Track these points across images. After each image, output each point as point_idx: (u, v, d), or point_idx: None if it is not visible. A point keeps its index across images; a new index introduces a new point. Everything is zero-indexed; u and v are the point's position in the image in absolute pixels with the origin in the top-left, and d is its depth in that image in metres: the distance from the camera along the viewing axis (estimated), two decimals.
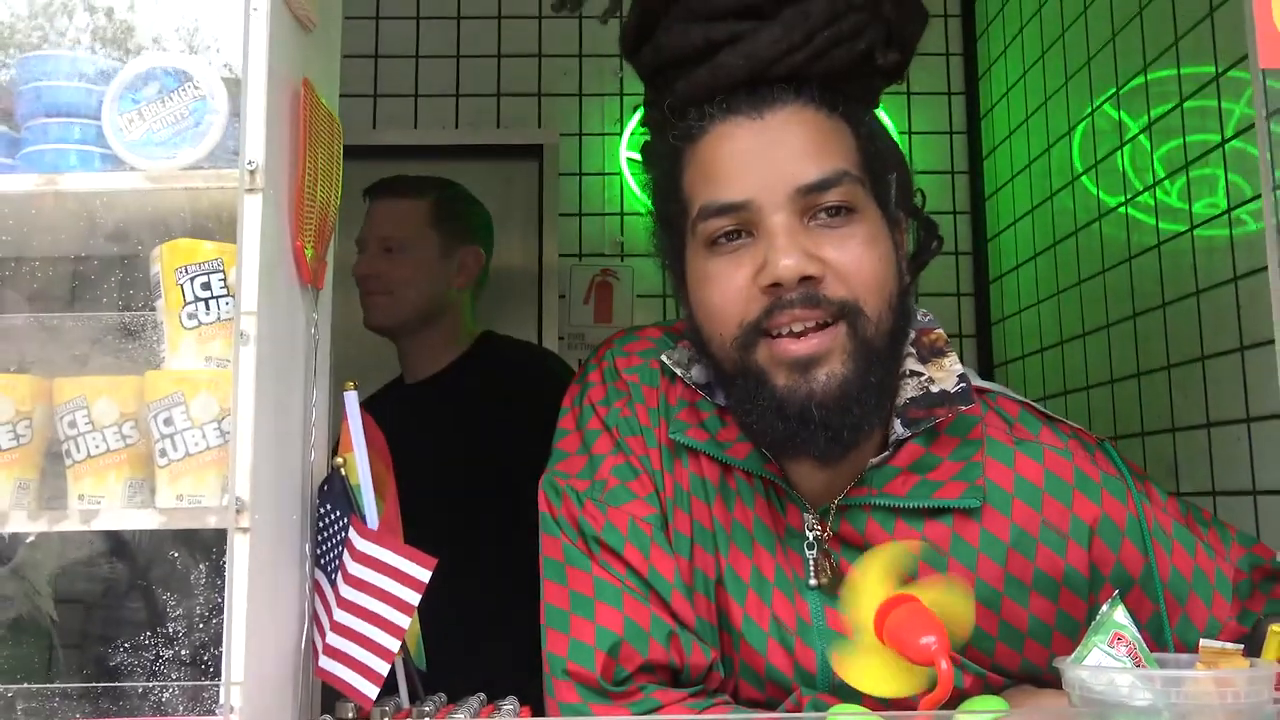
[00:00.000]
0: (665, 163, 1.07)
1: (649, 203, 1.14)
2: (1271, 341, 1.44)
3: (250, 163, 0.87)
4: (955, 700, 0.95)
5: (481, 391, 2.01)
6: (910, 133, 2.83)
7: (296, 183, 0.96)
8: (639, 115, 2.74)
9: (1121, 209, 2.02)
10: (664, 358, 1.08)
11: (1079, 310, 2.20)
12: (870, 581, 0.86)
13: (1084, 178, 2.18)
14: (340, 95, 1.14)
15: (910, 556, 0.94)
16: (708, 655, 0.99)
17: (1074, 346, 2.23)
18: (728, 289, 0.98)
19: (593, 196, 2.84)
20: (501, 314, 2.67)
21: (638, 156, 2.77)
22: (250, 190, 0.87)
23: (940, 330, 1.08)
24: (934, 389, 1.02)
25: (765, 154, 0.99)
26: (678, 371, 1.07)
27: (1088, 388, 2.17)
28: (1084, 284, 2.18)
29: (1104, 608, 0.87)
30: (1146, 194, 1.91)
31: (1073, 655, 0.86)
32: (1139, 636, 0.86)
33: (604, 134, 2.84)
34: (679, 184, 1.04)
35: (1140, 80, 1.93)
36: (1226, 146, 1.66)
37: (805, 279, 0.95)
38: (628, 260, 2.79)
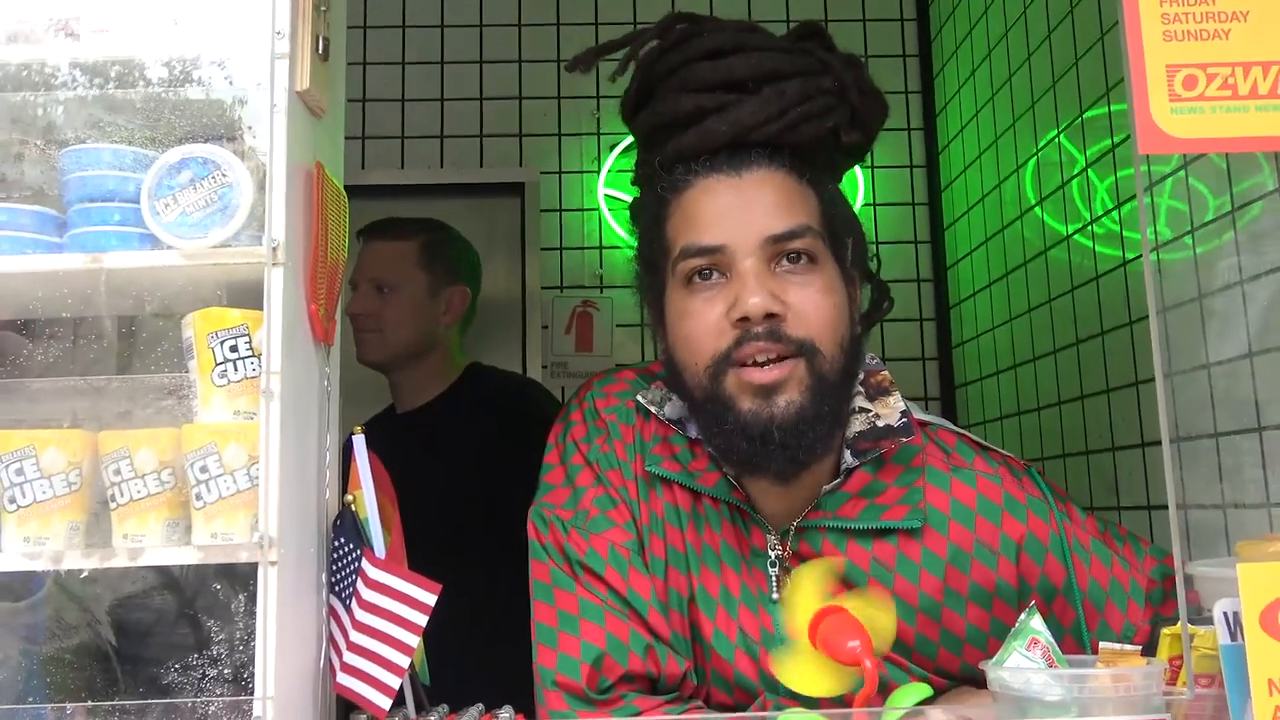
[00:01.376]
0: (651, 211, 1.21)
1: (634, 249, 1.27)
2: (1191, 369, 1.59)
3: (274, 241, 1.00)
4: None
5: (469, 420, 2.12)
6: (873, 167, 2.98)
7: (311, 252, 1.09)
8: (616, 154, 2.91)
9: (1063, 243, 2.17)
10: (640, 398, 1.21)
11: (1029, 335, 2.35)
12: (802, 594, 1.00)
13: (1035, 209, 2.34)
14: None
15: (835, 572, 1.08)
16: (681, 665, 1.11)
17: (1026, 370, 2.38)
18: (702, 323, 1.11)
19: (572, 231, 2.97)
20: (488, 343, 2.79)
21: (615, 193, 2.92)
22: (274, 264, 1.00)
23: (886, 372, 1.22)
24: (879, 423, 1.16)
25: (740, 207, 1.13)
26: (652, 409, 1.20)
27: (1039, 409, 2.31)
28: (1033, 311, 2.33)
29: (1022, 616, 1.01)
30: (1094, 225, 2.06)
31: (995, 658, 0.99)
32: (1053, 641, 0.99)
33: (582, 171, 2.98)
34: (663, 229, 1.18)
35: (1078, 119, 2.08)
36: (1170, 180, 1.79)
37: (769, 316, 1.08)
38: (607, 291, 2.92)
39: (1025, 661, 0.99)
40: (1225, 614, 0.91)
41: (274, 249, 1.00)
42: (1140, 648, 0.98)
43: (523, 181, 2.97)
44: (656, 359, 1.28)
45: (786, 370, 1.08)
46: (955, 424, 1.30)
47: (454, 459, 2.08)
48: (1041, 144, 2.27)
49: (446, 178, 2.96)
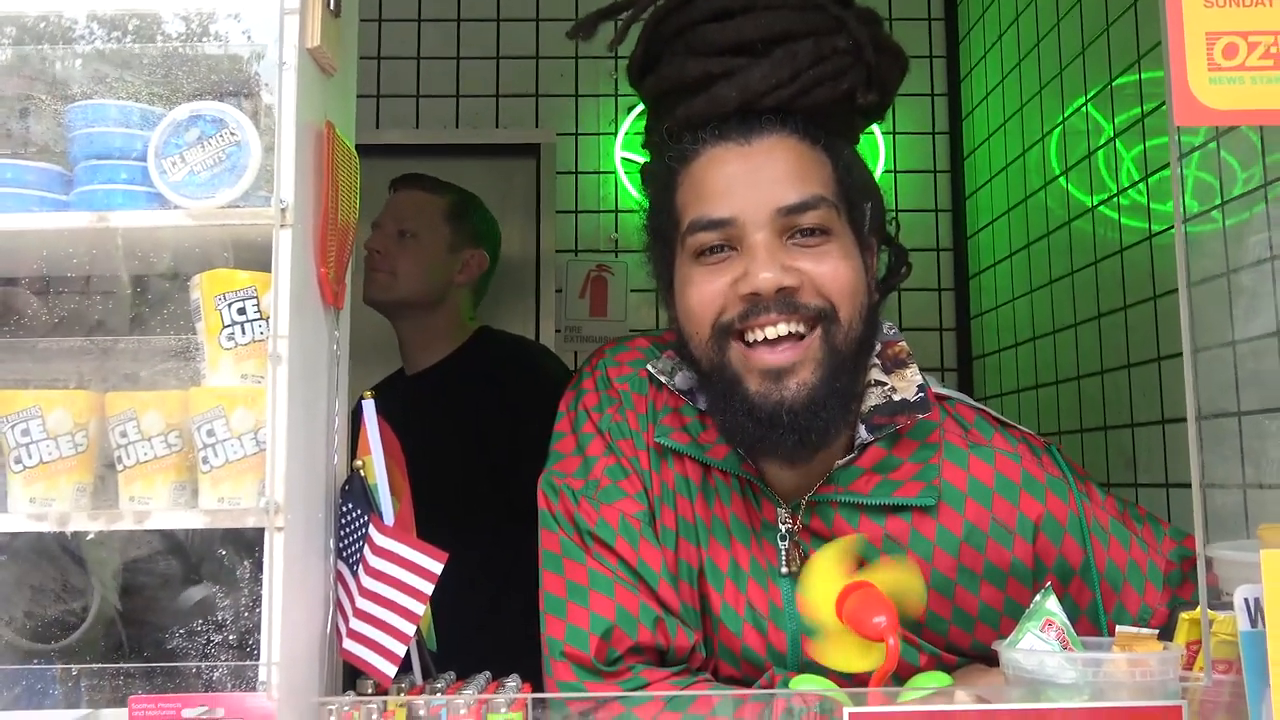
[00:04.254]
0: (660, 181, 1.18)
1: (644, 218, 1.25)
2: (1217, 345, 1.55)
3: (282, 202, 0.98)
4: (910, 676, 1.07)
5: (477, 383, 2.12)
6: (894, 133, 2.93)
7: (321, 214, 1.07)
8: (633, 116, 2.86)
9: (1087, 215, 2.13)
10: (650, 367, 1.19)
11: (1050, 308, 2.32)
12: (823, 574, 0.98)
13: (1060, 179, 2.29)
14: None
15: (858, 545, 1.06)
16: (690, 638, 1.11)
17: (1045, 343, 2.35)
18: (706, 291, 1.09)
19: (588, 194, 2.93)
20: (501, 307, 2.78)
21: (632, 156, 2.88)
22: (283, 226, 0.98)
23: (903, 343, 1.19)
24: (896, 398, 1.14)
25: (751, 177, 1.10)
26: (662, 379, 1.18)
27: (1057, 382, 2.28)
28: (1055, 283, 2.29)
29: (1037, 597, 0.99)
30: (1120, 196, 2.01)
31: (1009, 640, 0.97)
32: (1068, 623, 0.98)
33: (599, 133, 2.94)
34: (672, 200, 1.15)
35: (1107, 86, 2.03)
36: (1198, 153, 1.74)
37: (781, 289, 1.06)
38: (622, 256, 2.89)
39: (1039, 643, 0.98)
40: (1246, 600, 0.89)
41: (283, 210, 0.98)
42: (1157, 631, 0.96)
43: (539, 143, 2.93)
44: (669, 327, 1.26)
45: (800, 351, 1.06)
46: (972, 396, 1.27)
47: (461, 422, 2.07)
48: (1068, 112, 2.22)
49: (462, 138, 2.93)
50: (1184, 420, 1.75)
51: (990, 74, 2.69)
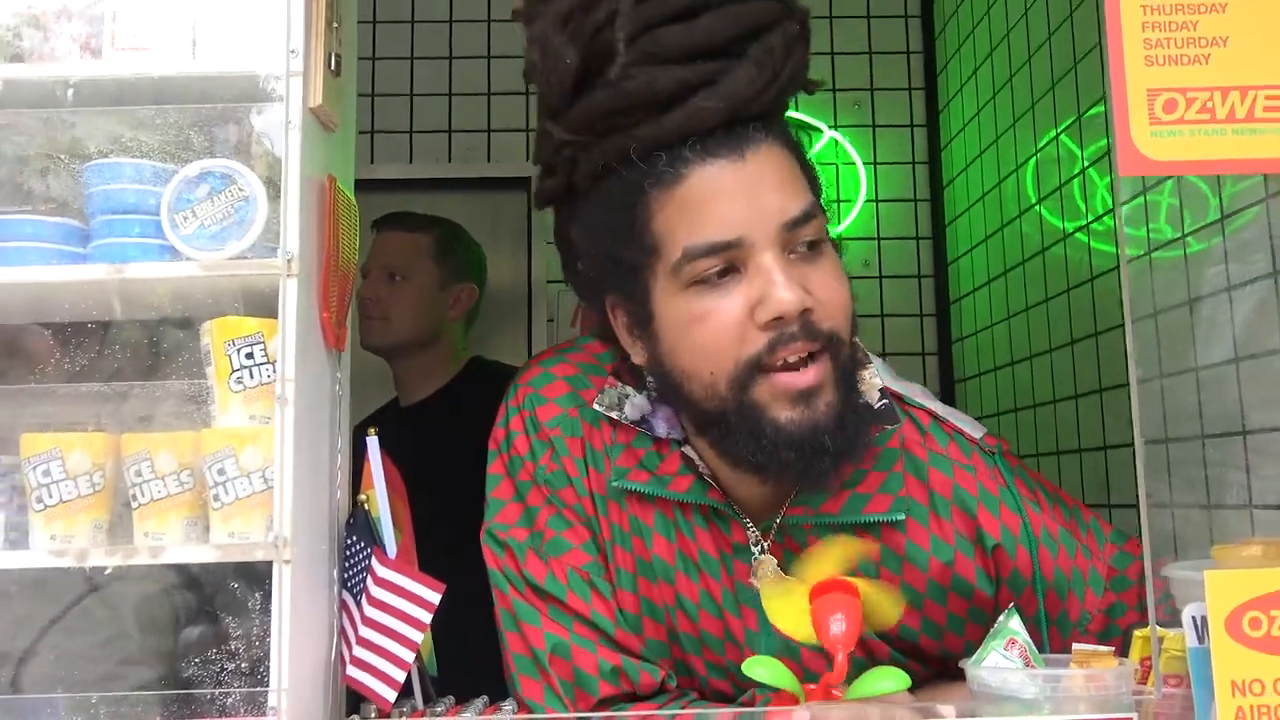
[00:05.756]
0: (623, 206, 1.04)
1: (572, 252, 1.17)
2: (1180, 371, 1.62)
3: (289, 253, 1.04)
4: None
5: (470, 413, 2.17)
6: (875, 163, 3.00)
7: (324, 262, 1.13)
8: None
9: (1062, 242, 2.20)
10: (596, 405, 1.13)
11: (1027, 333, 2.39)
12: (822, 560, 1.02)
13: (1036, 207, 2.37)
14: None
15: (865, 553, 1.06)
16: (655, 675, 1.11)
17: (1024, 367, 2.42)
18: (721, 327, 0.99)
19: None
20: (494, 337, 2.83)
21: None
22: (289, 276, 1.05)
23: (862, 346, 1.14)
24: (860, 402, 1.09)
25: (750, 192, 1.00)
26: (612, 415, 1.12)
27: (1035, 406, 2.35)
28: (1032, 309, 2.37)
29: (1002, 617, 1.05)
30: (1094, 223, 2.08)
31: (974, 658, 1.03)
32: (1029, 641, 1.04)
33: None
34: (647, 228, 1.03)
35: (1078, 119, 2.11)
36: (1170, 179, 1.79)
37: (804, 310, 0.99)
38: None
39: (1003, 661, 1.04)
40: (1193, 618, 0.95)
41: (289, 261, 1.04)
42: (1113, 649, 1.03)
43: (529, 176, 2.99)
44: (584, 339, 1.23)
45: (822, 370, 1.01)
46: None
47: (457, 453, 2.12)
48: (1042, 143, 2.30)
49: (454, 172, 3.00)
50: (1157, 443, 1.83)
51: (967, 106, 2.78)
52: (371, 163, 2.96)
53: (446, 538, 1.89)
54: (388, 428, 2.14)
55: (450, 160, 3.01)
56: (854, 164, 2.95)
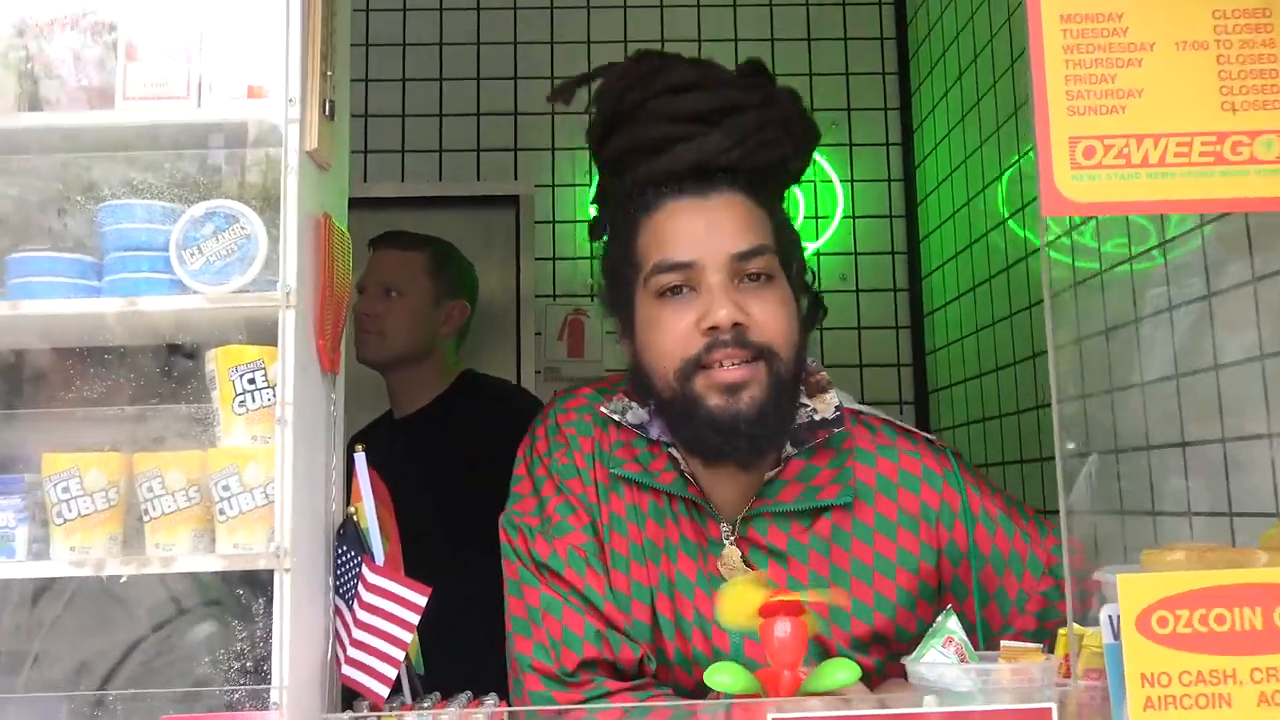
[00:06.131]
0: (622, 230, 1.35)
1: (601, 263, 1.41)
2: (1129, 386, 1.72)
3: (287, 287, 1.14)
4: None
5: (461, 425, 2.27)
6: (852, 181, 3.11)
7: (319, 293, 1.23)
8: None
9: (1029, 258, 2.31)
10: (603, 409, 1.35)
11: (993, 345, 2.49)
12: (741, 588, 1.14)
13: (1007, 223, 2.47)
14: None
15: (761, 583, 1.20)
16: (635, 651, 1.26)
17: (991, 379, 2.52)
18: (673, 332, 1.25)
19: (565, 242, 3.11)
20: (484, 350, 2.93)
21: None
22: (287, 307, 1.14)
23: (824, 373, 1.39)
24: (816, 417, 1.33)
25: (708, 227, 1.27)
26: (615, 418, 1.34)
27: (1000, 416, 2.45)
28: (998, 324, 2.47)
29: (940, 618, 1.15)
30: (1062, 238, 2.18)
31: (914, 655, 1.13)
32: (965, 639, 1.14)
33: (575, 185, 3.11)
34: (634, 247, 1.31)
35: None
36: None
37: (735, 325, 1.23)
38: (598, 300, 3.06)
39: (941, 658, 1.14)
40: (1110, 616, 1.05)
41: (287, 294, 1.14)
42: (1041, 645, 1.12)
43: (518, 194, 3.11)
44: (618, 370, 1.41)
45: (750, 372, 1.23)
46: (929, 428, 1.44)
47: (446, 462, 2.22)
48: (1010, 161, 2.41)
49: (445, 190, 3.10)
50: (1115, 452, 1.92)
51: (939, 126, 2.88)
52: (365, 181, 3.07)
53: (440, 543, 1.99)
54: (382, 439, 2.26)
55: (441, 179, 3.11)
56: (831, 182, 3.06)
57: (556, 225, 3.10)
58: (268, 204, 1.19)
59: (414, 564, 1.31)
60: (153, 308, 1.15)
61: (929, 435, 1.39)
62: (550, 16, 3.15)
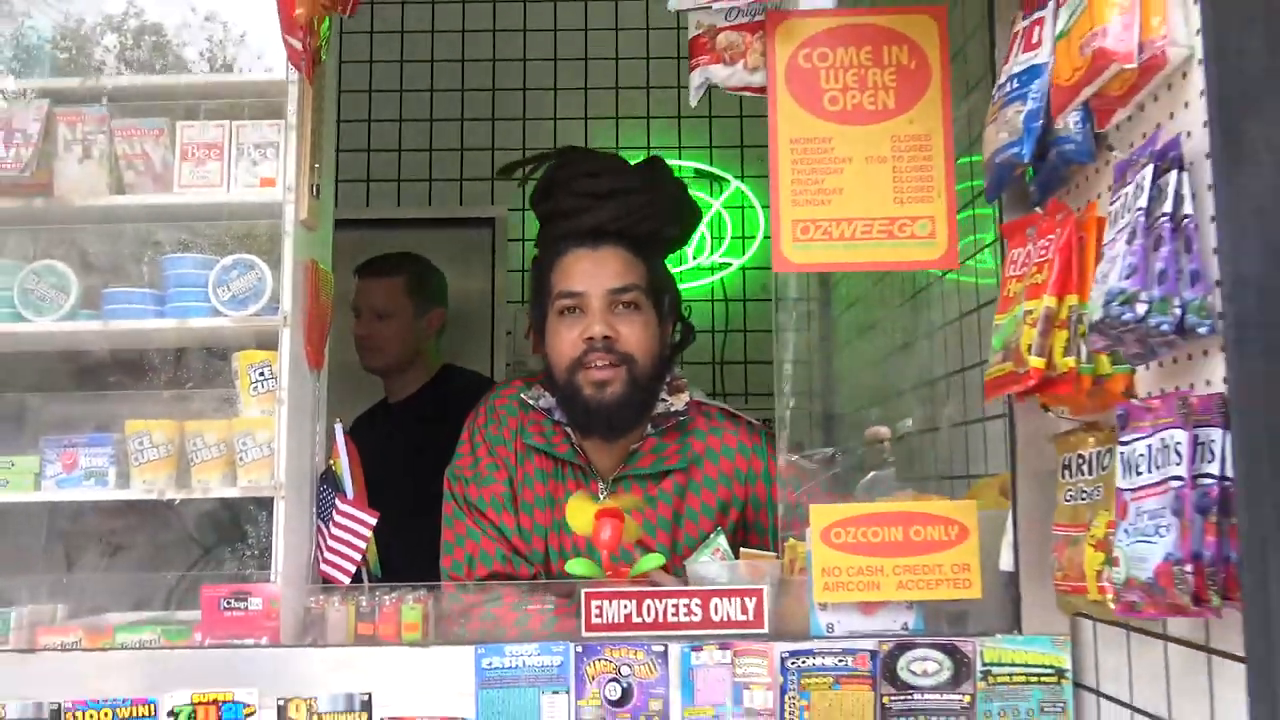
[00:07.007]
0: (543, 266, 1.94)
1: (530, 290, 2.01)
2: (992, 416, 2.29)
3: (285, 313, 1.74)
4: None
5: (442, 409, 2.86)
6: None
7: (308, 315, 1.82)
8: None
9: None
10: (524, 396, 1.93)
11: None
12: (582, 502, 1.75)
13: None
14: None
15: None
16: (530, 569, 1.86)
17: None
18: (566, 340, 1.83)
19: (532, 256, 3.70)
20: (465, 347, 3.52)
21: None
22: (285, 326, 1.74)
23: (684, 379, 1.97)
24: (671, 409, 1.91)
25: (595, 269, 1.85)
26: (532, 403, 1.92)
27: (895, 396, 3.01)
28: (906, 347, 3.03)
29: (711, 535, 1.75)
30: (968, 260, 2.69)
31: (692, 558, 1.72)
32: (728, 549, 1.73)
33: None
34: (547, 279, 1.90)
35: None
36: None
37: (606, 337, 1.80)
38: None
39: (709, 560, 1.73)
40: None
41: (284, 317, 1.74)
42: (775, 554, 1.71)
43: (494, 216, 3.71)
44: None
45: (614, 373, 1.81)
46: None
47: (429, 441, 2.79)
48: None
49: (433, 213, 3.71)
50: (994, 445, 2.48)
51: None
52: (367, 205, 3.67)
53: (422, 498, 2.58)
54: (379, 420, 2.86)
55: (430, 203, 3.71)
56: (755, 208, 3.63)
57: (525, 243, 3.69)
58: (273, 256, 1.79)
59: (400, 511, 1.88)
60: (197, 325, 1.76)
61: (751, 419, 1.97)
62: (523, 69, 3.74)
